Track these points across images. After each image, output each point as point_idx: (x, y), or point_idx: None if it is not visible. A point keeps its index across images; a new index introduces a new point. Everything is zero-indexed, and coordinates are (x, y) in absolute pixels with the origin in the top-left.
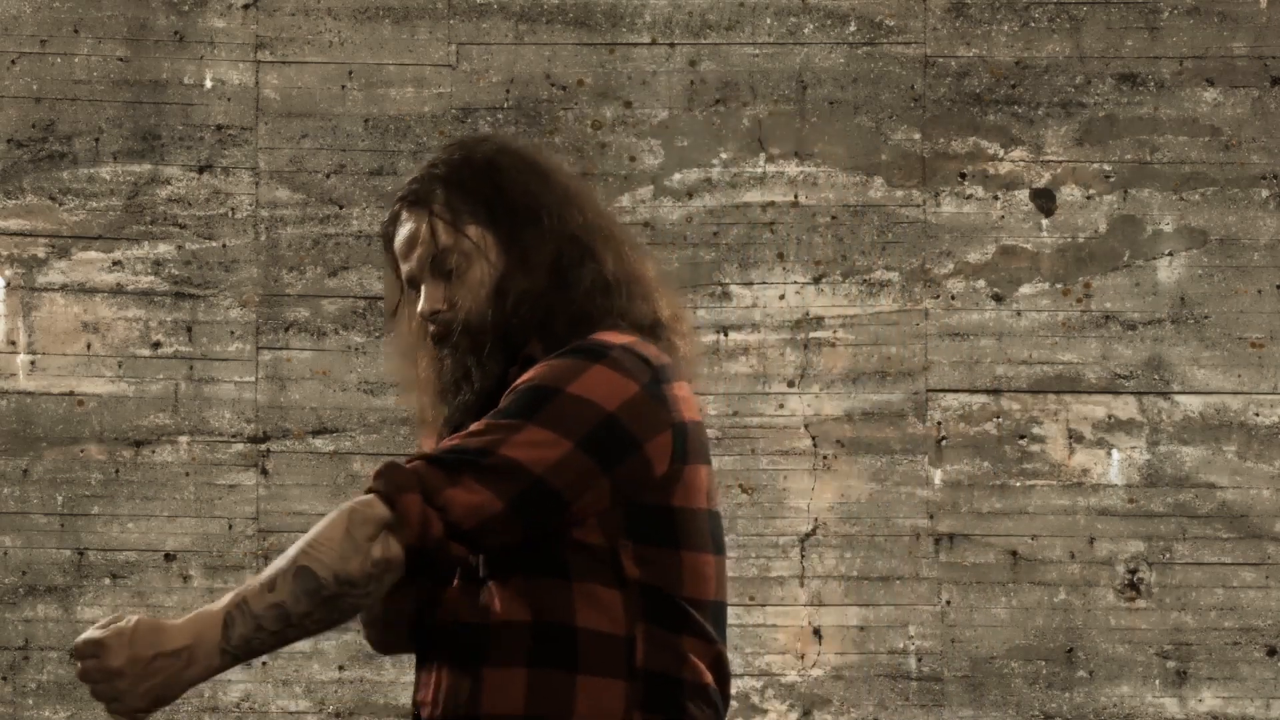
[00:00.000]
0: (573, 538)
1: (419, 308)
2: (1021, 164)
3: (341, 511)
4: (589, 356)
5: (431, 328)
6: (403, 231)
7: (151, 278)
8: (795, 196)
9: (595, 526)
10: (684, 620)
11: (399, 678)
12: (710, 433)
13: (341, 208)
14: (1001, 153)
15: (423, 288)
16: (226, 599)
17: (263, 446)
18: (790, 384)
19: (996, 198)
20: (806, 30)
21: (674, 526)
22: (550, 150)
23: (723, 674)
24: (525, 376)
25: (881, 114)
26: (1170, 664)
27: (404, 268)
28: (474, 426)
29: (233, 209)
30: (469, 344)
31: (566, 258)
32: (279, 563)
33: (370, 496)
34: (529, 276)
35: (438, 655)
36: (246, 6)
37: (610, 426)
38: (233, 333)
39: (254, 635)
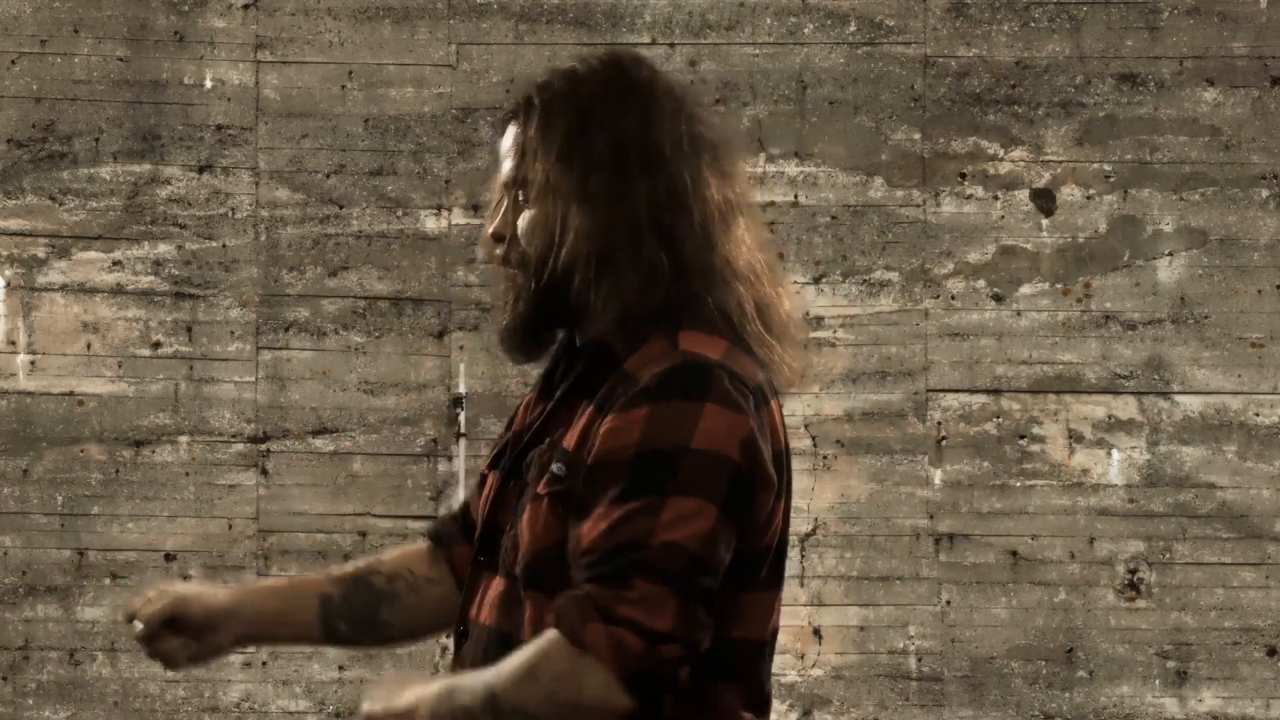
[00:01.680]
0: None
1: (488, 224)
2: (1021, 164)
3: (536, 644)
4: (693, 395)
5: (496, 247)
6: (507, 136)
7: (151, 278)
8: (795, 196)
9: None
10: (720, 665)
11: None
12: None
13: (341, 208)
14: (1001, 153)
15: (502, 203)
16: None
17: (263, 446)
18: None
19: (996, 198)
20: (806, 30)
21: (752, 567)
22: (676, 89)
23: (762, 708)
24: (630, 437)
25: (881, 114)
26: (1170, 664)
27: (500, 172)
28: (605, 515)
29: (233, 209)
30: (520, 276)
31: (646, 231)
32: (479, 681)
33: (555, 635)
34: (593, 241)
35: (470, 655)
36: (246, 6)
37: (738, 477)
38: (233, 333)
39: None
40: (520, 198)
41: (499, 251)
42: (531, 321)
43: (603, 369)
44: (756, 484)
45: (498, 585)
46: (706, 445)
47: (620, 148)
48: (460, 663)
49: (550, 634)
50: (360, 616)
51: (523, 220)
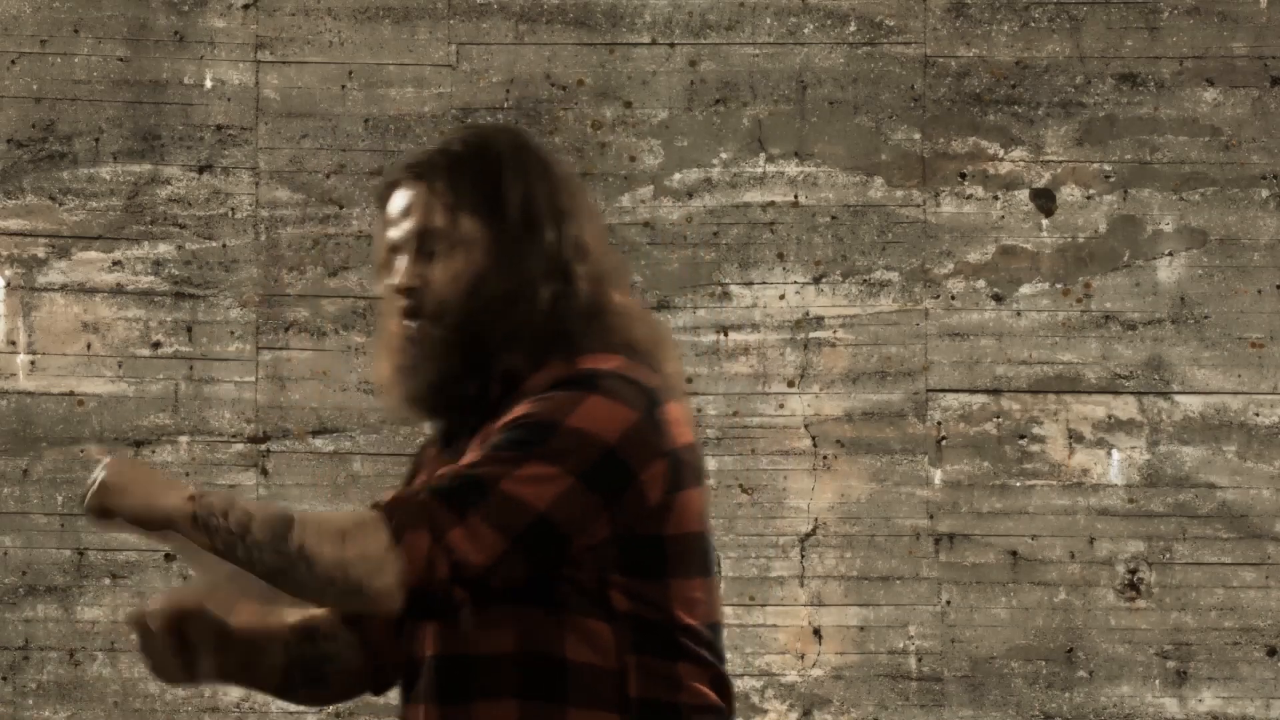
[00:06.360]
0: (562, 572)
1: (393, 280)
2: (1021, 164)
3: (356, 514)
4: (583, 387)
5: (401, 301)
6: (399, 197)
7: (151, 278)
8: (795, 196)
9: (587, 561)
10: (677, 647)
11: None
12: (710, 433)
13: (341, 208)
14: (1001, 153)
15: (403, 259)
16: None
17: (263, 446)
18: (790, 384)
19: (996, 198)
20: (806, 30)
21: (664, 556)
22: (559, 156)
23: (725, 693)
24: (520, 411)
25: (881, 114)
26: (1170, 664)
27: (390, 233)
28: (471, 458)
29: (233, 209)
30: (433, 327)
31: (552, 274)
32: (279, 505)
33: (380, 520)
34: (507, 283)
35: (424, 689)
36: (246, 6)
37: (610, 458)
38: (233, 333)
39: (213, 520)
40: (428, 250)
41: (405, 304)
42: (453, 373)
43: (507, 403)
44: (632, 470)
45: (435, 624)
46: (581, 424)
47: (532, 203)
48: (414, 702)
49: (375, 515)
50: (309, 674)
51: (439, 271)
